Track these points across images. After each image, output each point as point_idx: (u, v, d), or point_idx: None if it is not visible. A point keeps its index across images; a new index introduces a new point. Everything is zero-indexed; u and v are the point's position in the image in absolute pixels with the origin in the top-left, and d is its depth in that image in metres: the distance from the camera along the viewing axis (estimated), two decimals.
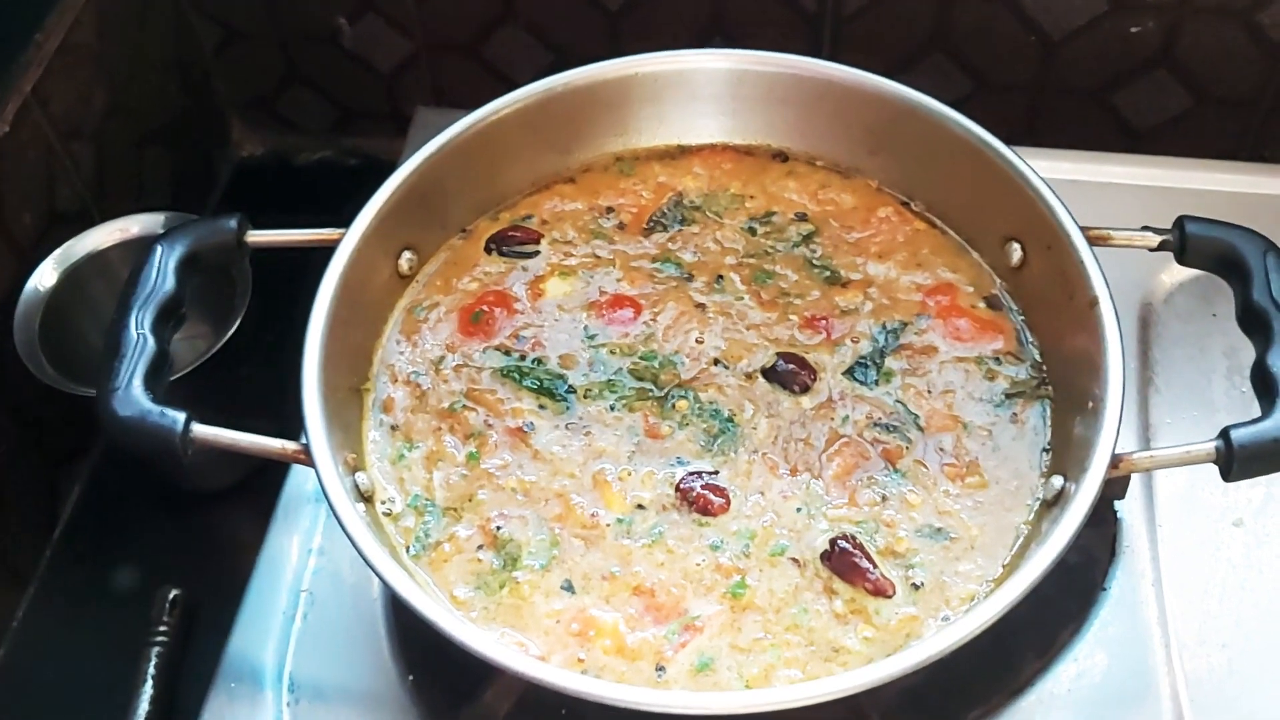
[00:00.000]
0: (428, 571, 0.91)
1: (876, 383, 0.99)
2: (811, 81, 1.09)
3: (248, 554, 1.07)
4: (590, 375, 1.00)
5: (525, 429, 0.98)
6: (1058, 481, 0.90)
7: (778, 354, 1.01)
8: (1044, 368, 0.99)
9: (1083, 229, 0.96)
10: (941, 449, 0.95)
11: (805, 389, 0.99)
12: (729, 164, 1.13)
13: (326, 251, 0.99)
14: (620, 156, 1.14)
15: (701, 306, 1.04)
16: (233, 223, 0.99)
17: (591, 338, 1.03)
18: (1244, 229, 0.95)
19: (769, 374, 1.00)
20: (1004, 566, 0.90)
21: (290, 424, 0.92)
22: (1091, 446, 0.86)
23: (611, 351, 1.02)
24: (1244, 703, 0.97)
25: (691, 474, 0.95)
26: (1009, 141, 1.03)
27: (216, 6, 1.45)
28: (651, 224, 1.10)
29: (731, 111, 1.13)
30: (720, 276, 1.06)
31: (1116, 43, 1.31)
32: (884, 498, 0.93)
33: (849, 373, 1.00)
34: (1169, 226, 0.98)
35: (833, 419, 0.97)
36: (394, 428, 0.98)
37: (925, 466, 0.95)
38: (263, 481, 1.15)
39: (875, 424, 0.97)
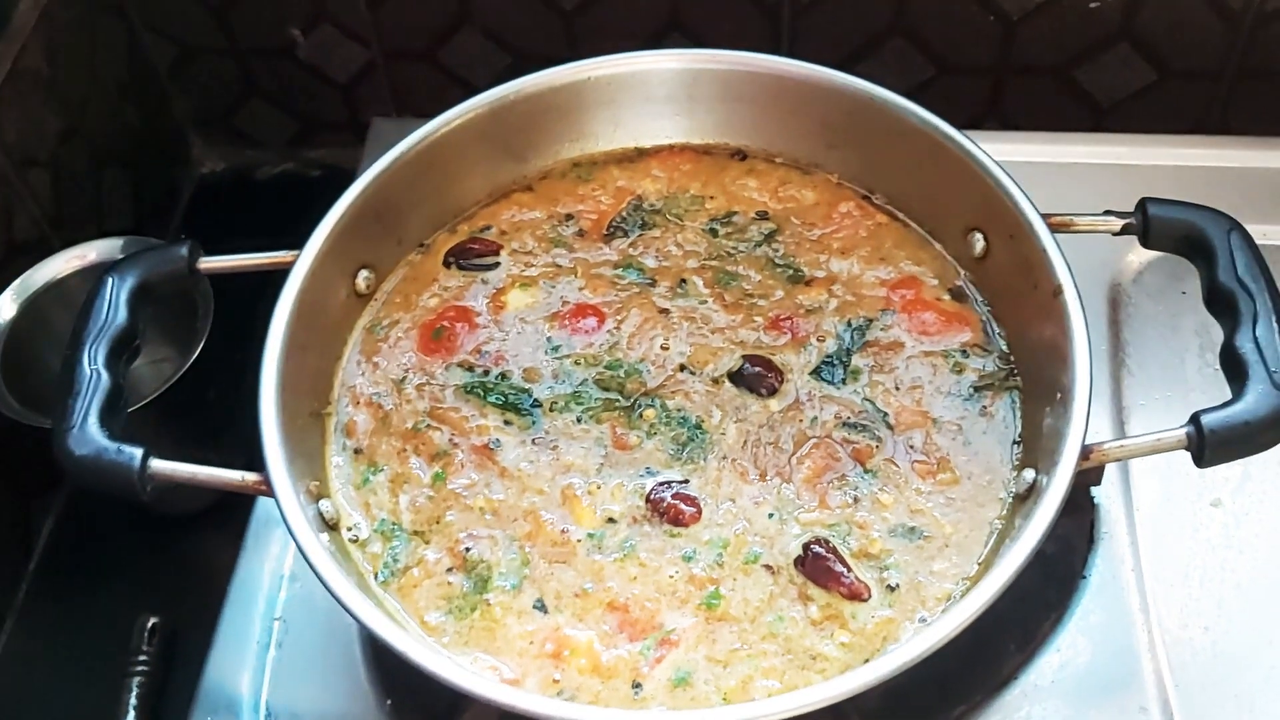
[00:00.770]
0: (397, 598, 0.90)
1: (844, 381, 0.98)
2: (766, 78, 1.08)
3: (224, 577, 1.07)
4: (555, 388, 0.99)
5: (491, 446, 0.96)
6: (1029, 475, 0.90)
7: (744, 357, 1.00)
8: (1012, 358, 0.99)
9: (1044, 216, 0.95)
10: (912, 446, 0.95)
11: (773, 391, 0.98)
12: (688, 164, 1.12)
13: (286, 270, 0.97)
14: (578, 162, 1.13)
15: (665, 312, 1.03)
16: (184, 250, 0.98)
17: (555, 349, 1.02)
18: (1207, 209, 0.94)
19: (736, 378, 0.99)
20: (979, 564, 0.89)
21: (256, 453, 0.90)
22: (1062, 438, 0.85)
23: (576, 362, 1.01)
24: (1229, 684, 0.97)
25: (661, 484, 0.94)
26: (973, 124, 1.03)
27: (170, 24, 1.44)
28: (612, 229, 1.09)
29: (688, 111, 1.12)
30: (683, 280, 1.05)
31: (1076, 19, 1.30)
32: (856, 499, 0.92)
33: (816, 373, 0.99)
34: (1133, 208, 0.97)
35: (801, 421, 0.96)
36: (357, 451, 0.97)
37: (896, 465, 0.94)
38: (237, 502, 1.13)
39: (844, 424, 0.96)
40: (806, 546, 0.90)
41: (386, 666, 0.99)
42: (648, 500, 0.93)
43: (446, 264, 1.07)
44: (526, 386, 0.99)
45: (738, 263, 1.06)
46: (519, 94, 1.08)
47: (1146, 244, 0.96)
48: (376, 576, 0.91)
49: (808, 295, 1.03)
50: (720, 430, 0.96)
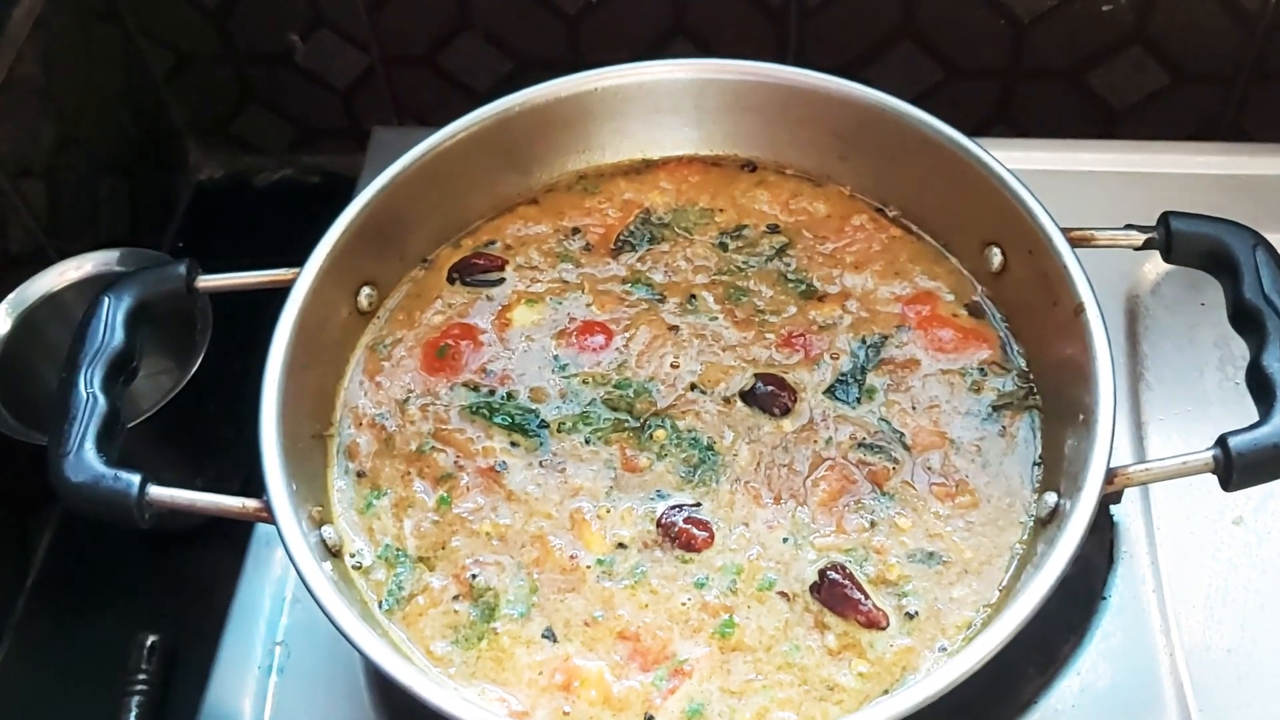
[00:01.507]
0: (401, 628, 0.88)
1: (859, 401, 0.97)
2: (776, 88, 1.07)
3: (223, 592, 1.06)
4: (563, 408, 0.98)
5: (498, 469, 0.95)
6: (1051, 498, 0.88)
7: (756, 375, 0.98)
8: (1031, 377, 0.97)
9: (1064, 230, 0.93)
10: (929, 468, 0.93)
11: (786, 411, 0.96)
12: (696, 176, 1.10)
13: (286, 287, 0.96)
14: (584, 174, 1.11)
15: (675, 329, 1.01)
16: (182, 268, 0.96)
17: (562, 368, 1.00)
18: (1231, 223, 0.92)
19: (748, 397, 0.97)
20: (1000, 590, 0.87)
21: (255, 474, 0.88)
22: (1085, 462, 0.83)
23: (584, 381, 0.99)
24: (1253, 708, 0.96)
25: (673, 507, 0.92)
26: (983, 129, 1.01)
27: (166, 31, 1.43)
28: (619, 244, 1.07)
29: (696, 122, 1.10)
30: (693, 296, 1.03)
31: (1088, 21, 1.29)
32: (872, 523, 0.90)
33: (830, 392, 0.97)
34: (1153, 216, 0.95)
35: (816, 442, 0.94)
36: (360, 474, 0.96)
37: (914, 487, 0.92)
38: (236, 519, 1.12)
39: (860, 445, 0.94)
40: (822, 573, 0.88)
41: (391, 694, 0.97)
42: (659, 524, 0.91)
43: (450, 280, 1.06)
44: (533, 407, 0.98)
45: (748, 278, 1.04)
46: (524, 105, 1.06)
47: (1169, 259, 0.94)
48: (381, 605, 0.89)
49: (821, 311, 1.01)
50: (732, 452, 0.94)
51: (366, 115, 1.45)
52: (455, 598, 0.89)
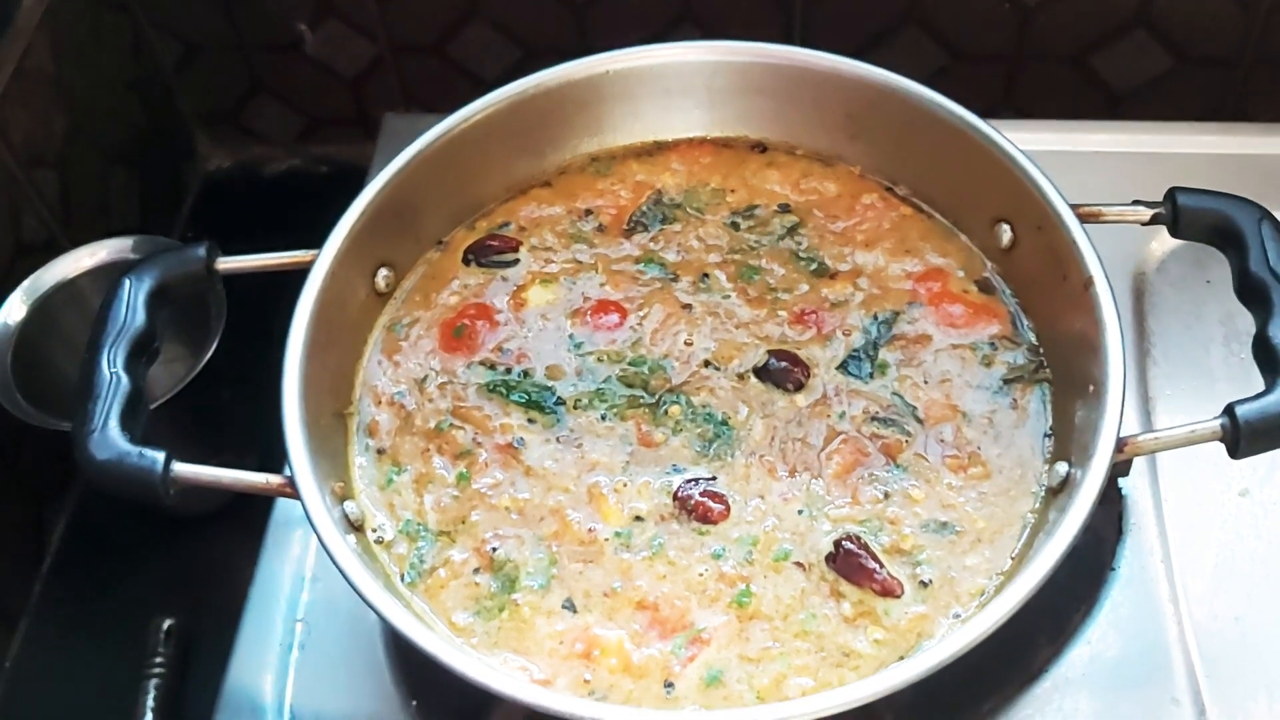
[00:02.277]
0: (424, 599, 0.89)
1: (871, 376, 0.98)
2: (786, 69, 1.07)
3: (241, 577, 1.06)
4: (579, 385, 0.98)
5: (515, 445, 0.96)
6: (1062, 468, 0.89)
7: (769, 352, 0.99)
8: (1041, 351, 0.98)
9: (1073, 207, 0.94)
10: (942, 440, 0.94)
11: (799, 386, 0.97)
12: (707, 157, 1.11)
13: (301, 270, 0.96)
14: (596, 156, 1.12)
15: (688, 307, 1.02)
16: (201, 251, 0.97)
17: (578, 346, 1.01)
18: (1237, 198, 0.93)
19: (761, 373, 0.98)
20: (1012, 558, 0.88)
21: (275, 447, 0.90)
22: (1095, 431, 0.84)
23: (599, 359, 1.00)
24: (1261, 675, 0.96)
25: (689, 481, 0.93)
26: (988, 112, 1.02)
27: (175, 21, 1.43)
28: (632, 224, 1.08)
29: (707, 104, 1.11)
30: (705, 275, 1.04)
31: (1093, 5, 1.30)
32: (886, 494, 0.92)
33: (842, 367, 0.98)
34: (1158, 196, 0.96)
35: (829, 416, 0.95)
36: (380, 452, 0.96)
37: (926, 459, 0.93)
38: (251, 502, 1.12)
39: (873, 418, 0.95)
40: (837, 543, 0.89)
41: (412, 667, 0.98)
42: (675, 498, 0.92)
43: (466, 261, 1.06)
44: (549, 384, 0.99)
45: (760, 256, 1.05)
46: (537, 89, 1.07)
47: (1176, 233, 0.95)
48: (403, 578, 0.90)
49: (832, 289, 1.02)
50: (747, 426, 0.95)
51: (375, 105, 1.46)
52: (476, 570, 0.90)
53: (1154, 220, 0.95)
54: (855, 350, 0.99)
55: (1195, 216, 0.94)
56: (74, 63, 1.30)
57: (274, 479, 0.87)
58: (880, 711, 0.90)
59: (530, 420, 0.97)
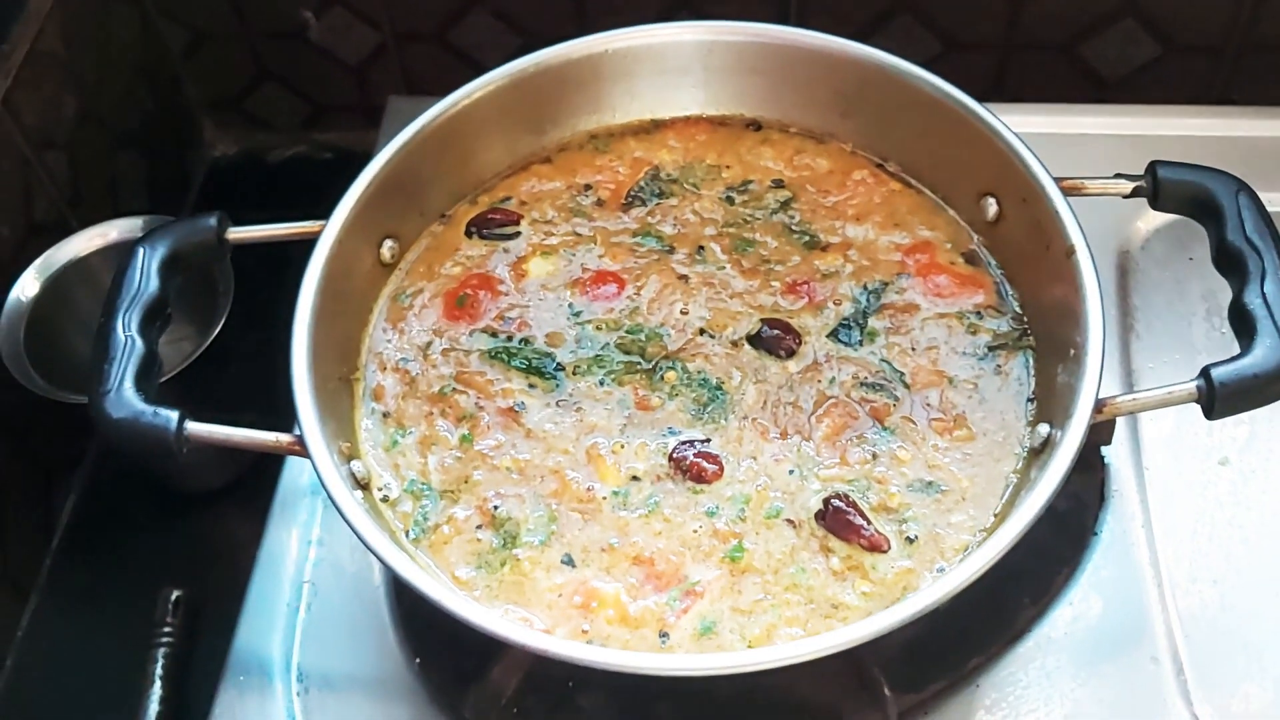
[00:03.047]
0: (428, 554, 0.92)
1: (861, 343, 1.00)
2: (780, 49, 1.10)
3: (246, 552, 1.08)
4: (578, 352, 1.01)
5: (516, 409, 0.98)
6: (1044, 429, 0.91)
7: (762, 320, 1.01)
8: (1025, 319, 1.00)
9: (1056, 180, 0.97)
10: (928, 404, 0.96)
11: (791, 353, 1.00)
12: (703, 135, 1.14)
13: (305, 249, 0.99)
14: (595, 134, 1.14)
15: (684, 278, 1.05)
16: (213, 221, 1.00)
17: (577, 315, 1.03)
18: (1216, 170, 0.96)
19: (754, 340, 1.01)
20: (995, 515, 0.91)
21: (281, 422, 0.92)
22: (1075, 393, 0.87)
23: (598, 327, 1.02)
24: (1237, 635, 0.99)
25: (684, 443, 0.95)
26: (980, 99, 1.04)
27: (182, 9, 1.45)
28: (630, 199, 1.10)
29: (703, 83, 1.13)
30: (701, 247, 1.07)
31: None
32: (874, 455, 0.94)
33: (833, 335, 1.01)
34: (1141, 173, 0.99)
35: (820, 381, 0.98)
36: (386, 415, 0.99)
37: (913, 422, 0.96)
38: (256, 480, 1.15)
39: (862, 384, 0.98)
40: (827, 501, 0.92)
41: (415, 626, 1.01)
42: (670, 459, 0.95)
43: (468, 234, 1.09)
44: (550, 351, 1.01)
45: (755, 229, 1.07)
46: (537, 67, 1.10)
47: (1156, 205, 0.98)
48: (408, 534, 0.93)
49: (824, 260, 1.05)
50: (740, 391, 0.98)
51: (378, 92, 1.47)
52: (478, 527, 0.93)
53: (1135, 193, 0.98)
54: (845, 319, 1.01)
55: (1175, 189, 0.96)
56: (84, 48, 1.32)
57: (284, 437, 0.90)
58: (870, 667, 0.94)
59: (531, 385, 0.99)
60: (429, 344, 1.03)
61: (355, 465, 0.94)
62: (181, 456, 0.89)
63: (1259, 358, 0.86)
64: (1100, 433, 1.02)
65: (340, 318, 1.00)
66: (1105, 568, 1.01)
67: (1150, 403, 0.89)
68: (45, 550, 1.26)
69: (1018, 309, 1.01)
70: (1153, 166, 0.97)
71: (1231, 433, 1.07)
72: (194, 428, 0.89)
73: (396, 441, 0.97)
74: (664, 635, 0.87)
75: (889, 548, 0.90)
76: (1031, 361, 0.98)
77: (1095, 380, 0.87)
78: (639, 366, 1.00)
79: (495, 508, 0.93)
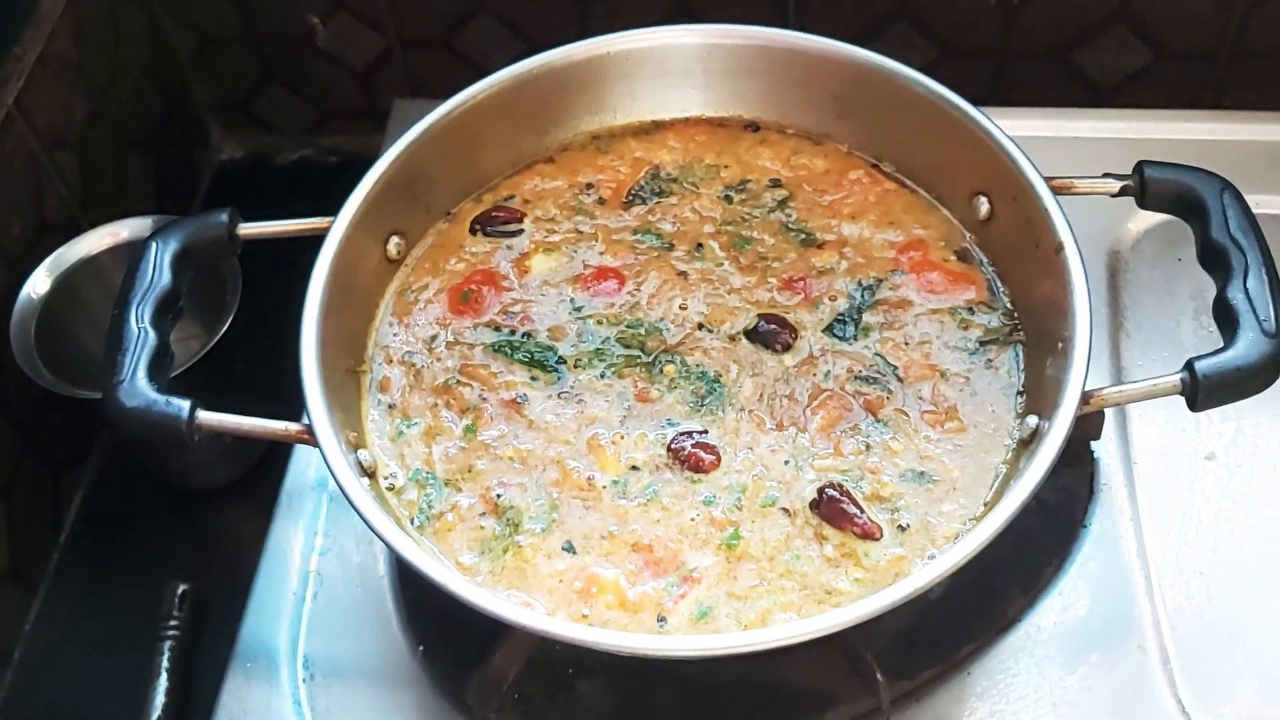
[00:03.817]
0: (432, 541, 0.94)
1: (855, 338, 1.02)
2: (779, 51, 1.12)
3: (251, 548, 1.10)
4: (579, 345, 1.03)
5: (519, 400, 1.00)
6: (1032, 421, 0.93)
7: (759, 315, 1.04)
8: (1015, 315, 1.02)
9: (1046, 179, 0.99)
10: (921, 397, 0.98)
11: (787, 347, 1.02)
12: (703, 136, 1.16)
13: (311, 248, 1.01)
14: (597, 134, 1.16)
15: (683, 274, 1.07)
16: (224, 216, 1.02)
17: (578, 310, 1.05)
18: (1201, 170, 0.98)
19: (751, 335, 1.03)
20: (985, 505, 0.92)
21: (288, 416, 0.94)
22: (1063, 385, 0.88)
23: (598, 322, 1.04)
24: (1223, 626, 1.00)
25: (682, 434, 0.97)
26: (976, 105, 1.06)
27: (190, 12, 1.46)
28: (630, 197, 1.12)
29: (703, 85, 1.15)
30: (700, 244, 1.09)
31: (1076, 2, 1.33)
32: (868, 446, 0.96)
33: (828, 329, 1.03)
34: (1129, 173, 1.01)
35: (815, 374, 1.00)
36: (392, 406, 1.01)
37: (906, 414, 0.98)
38: (262, 477, 1.17)
39: (856, 377, 1.00)
40: (821, 490, 0.93)
41: (418, 615, 1.03)
42: (669, 449, 0.96)
43: (473, 231, 1.11)
44: (551, 344, 1.03)
45: (752, 227, 1.09)
46: (541, 69, 1.12)
47: (1144, 204, 0.99)
48: (413, 521, 0.94)
49: (820, 257, 1.07)
50: (737, 384, 1.00)
51: (384, 96, 1.48)
52: (481, 514, 0.95)
53: (1123, 192, 0.99)
54: (840, 314, 1.03)
55: (1161, 188, 0.98)
56: (95, 51, 1.33)
57: (292, 426, 0.92)
58: (864, 654, 0.96)
59: (533, 378, 1.01)
60: (434, 338, 1.05)
61: (362, 454, 0.96)
62: (193, 445, 0.91)
63: (1241, 351, 0.88)
64: (1089, 427, 1.04)
65: (348, 312, 1.02)
66: (1094, 560, 1.03)
67: (1135, 394, 0.90)
68: (53, 544, 1.27)
69: (1008, 305, 1.03)
70: (1140, 166, 0.99)
71: (1218, 429, 1.09)
72: (205, 416, 0.91)
73: (402, 432, 0.99)
74: (662, 620, 0.89)
75: (881, 535, 0.91)
76: (1021, 356, 1.00)
77: (1082, 372, 0.88)
78: (639, 360, 1.02)
79: (498, 496, 0.95)
